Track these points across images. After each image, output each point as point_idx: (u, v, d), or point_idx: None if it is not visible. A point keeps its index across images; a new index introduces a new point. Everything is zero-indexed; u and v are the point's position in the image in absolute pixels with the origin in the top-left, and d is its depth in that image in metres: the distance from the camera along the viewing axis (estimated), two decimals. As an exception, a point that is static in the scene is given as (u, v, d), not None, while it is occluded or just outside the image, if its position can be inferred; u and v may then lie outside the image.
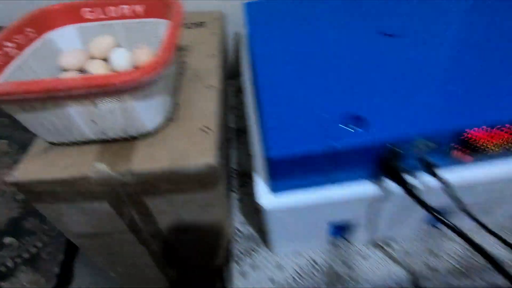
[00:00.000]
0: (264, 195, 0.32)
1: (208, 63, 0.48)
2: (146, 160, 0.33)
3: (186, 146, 0.35)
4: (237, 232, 0.46)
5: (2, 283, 0.41)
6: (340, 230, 0.40)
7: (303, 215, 0.34)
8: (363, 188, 0.31)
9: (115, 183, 0.33)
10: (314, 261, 0.41)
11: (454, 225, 0.27)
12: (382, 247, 0.41)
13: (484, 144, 0.28)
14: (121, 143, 0.35)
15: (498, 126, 0.28)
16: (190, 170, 0.33)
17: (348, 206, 0.33)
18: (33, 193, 0.34)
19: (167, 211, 0.38)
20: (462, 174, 0.31)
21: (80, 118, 0.31)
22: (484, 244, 0.26)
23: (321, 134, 0.29)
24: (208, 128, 0.37)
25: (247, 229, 0.46)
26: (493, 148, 0.28)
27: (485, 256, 0.25)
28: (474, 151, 0.29)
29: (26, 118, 0.32)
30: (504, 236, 0.27)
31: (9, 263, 0.43)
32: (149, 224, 0.40)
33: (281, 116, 0.31)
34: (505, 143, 0.28)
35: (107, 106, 0.30)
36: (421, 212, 0.28)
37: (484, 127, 0.28)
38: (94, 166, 0.33)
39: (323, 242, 0.41)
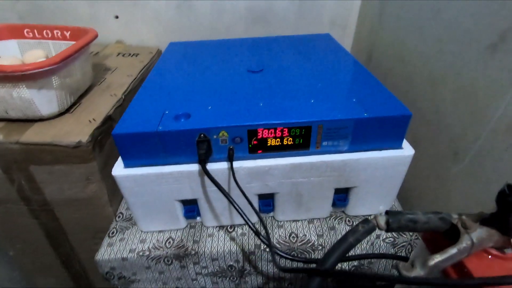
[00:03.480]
0: (117, 168, 0.43)
1: (122, 80, 0.62)
2: (35, 135, 0.45)
3: (71, 129, 0.46)
4: (120, 214, 0.55)
5: None
6: (192, 212, 0.50)
7: (147, 186, 0.44)
8: (186, 167, 0.43)
9: (5, 149, 0.44)
10: (171, 237, 0.50)
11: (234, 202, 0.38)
12: (227, 229, 0.51)
13: (266, 138, 0.41)
14: (21, 123, 0.47)
15: (273, 127, 0.41)
16: (66, 144, 0.44)
17: (179, 182, 0.44)
18: None
19: (50, 181, 0.48)
20: (257, 162, 0.43)
21: (-13, 97, 0.43)
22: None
23: (156, 122, 0.41)
24: (94, 119, 0.49)
25: (129, 213, 0.55)
26: (270, 139, 0.41)
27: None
28: (262, 143, 0.42)
29: None
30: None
31: None
32: (36, 193, 0.49)
33: (136, 111, 0.44)
34: (277, 136, 0.41)
35: (7, 90, 0.42)
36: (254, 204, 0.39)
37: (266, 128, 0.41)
38: (-7, 136, 0.44)
39: (182, 223, 0.51)
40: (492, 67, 0.38)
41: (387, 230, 0.18)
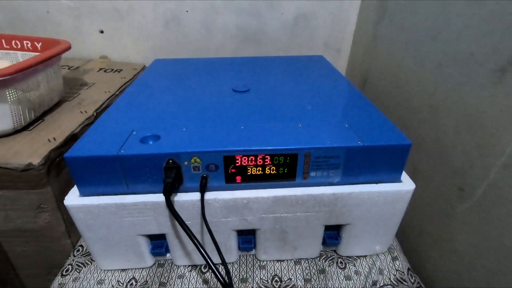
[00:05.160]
0: (71, 197, 0.37)
1: (97, 96, 0.57)
2: (-21, 155, 0.38)
3: (23, 149, 0.40)
4: (79, 248, 0.48)
5: None
6: (161, 249, 0.43)
7: (106, 218, 0.37)
8: (152, 198, 0.36)
9: None
10: (134, 278, 0.43)
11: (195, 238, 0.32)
12: (201, 269, 0.44)
13: (245, 166, 0.36)
14: (-33, 140, 0.41)
15: (253, 154, 0.35)
16: (13, 166, 0.38)
17: (143, 214, 0.38)
18: None
19: (-5, 209, 0.41)
20: (235, 193, 0.37)
21: None
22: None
23: (119, 145, 0.36)
24: (54, 139, 0.43)
25: (90, 246, 0.48)
26: (250, 168, 0.36)
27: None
28: (241, 172, 0.36)
29: None
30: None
31: None
32: (-21, 222, 0.42)
33: (100, 131, 0.38)
34: (258, 164, 0.36)
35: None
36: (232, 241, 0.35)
37: (245, 155, 0.35)
38: None
39: (148, 261, 0.44)
40: (501, 94, 0.34)
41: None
